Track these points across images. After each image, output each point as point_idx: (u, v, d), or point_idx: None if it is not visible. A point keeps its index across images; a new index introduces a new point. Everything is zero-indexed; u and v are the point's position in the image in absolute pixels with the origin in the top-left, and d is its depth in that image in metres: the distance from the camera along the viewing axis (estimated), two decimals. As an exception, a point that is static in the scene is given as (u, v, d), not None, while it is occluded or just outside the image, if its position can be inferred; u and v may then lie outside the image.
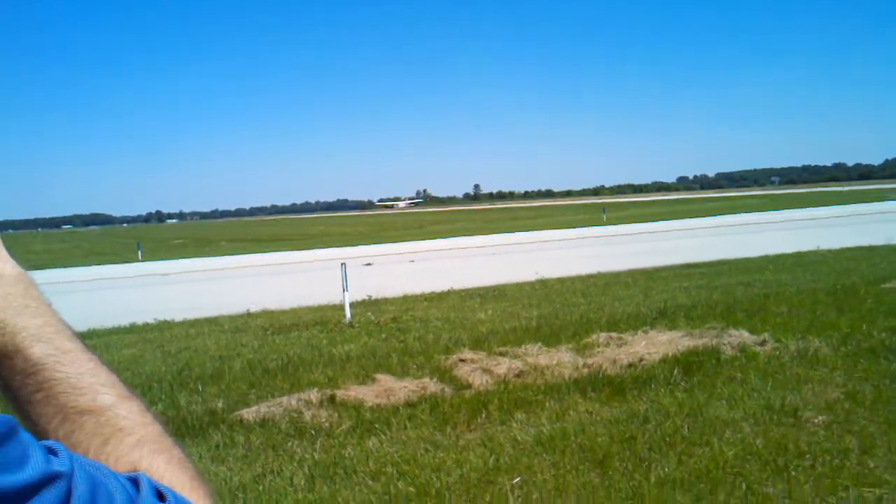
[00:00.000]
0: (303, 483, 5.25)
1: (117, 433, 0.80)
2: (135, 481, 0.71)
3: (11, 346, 0.78)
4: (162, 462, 0.80)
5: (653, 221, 46.62)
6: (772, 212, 49.72)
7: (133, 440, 0.80)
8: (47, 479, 0.62)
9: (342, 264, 12.61)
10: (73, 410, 0.79)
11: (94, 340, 11.90)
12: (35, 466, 0.61)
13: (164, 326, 13.43)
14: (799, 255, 18.81)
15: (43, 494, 0.61)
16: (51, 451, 0.65)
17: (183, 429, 6.55)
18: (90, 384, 0.81)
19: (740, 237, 28.27)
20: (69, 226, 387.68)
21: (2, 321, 0.78)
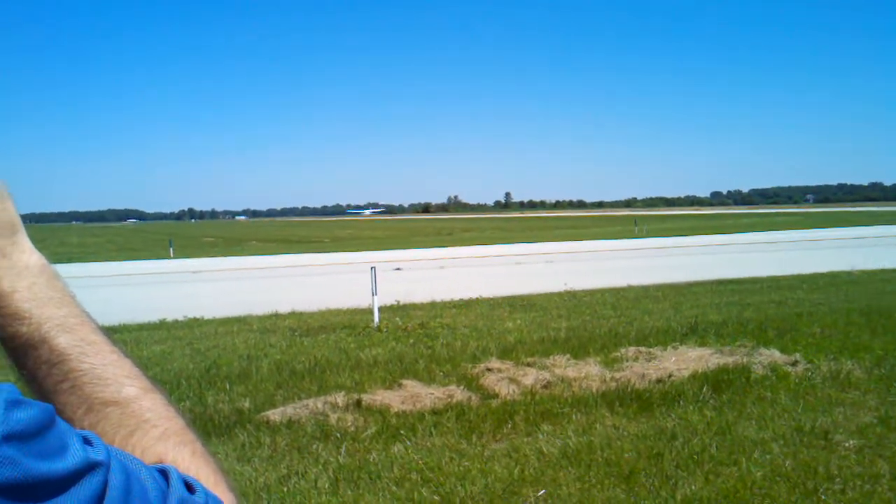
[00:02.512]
0: (327, 486, 5.26)
1: (142, 425, 0.80)
2: (164, 473, 0.72)
3: (38, 336, 0.79)
4: (187, 454, 0.80)
5: (685, 236, 46.29)
6: (805, 230, 49.16)
7: (158, 432, 0.80)
8: (88, 468, 0.62)
9: (372, 268, 12.63)
10: (98, 401, 0.79)
11: (125, 335, 12.00)
12: (75, 454, 0.62)
13: (194, 324, 13.52)
14: (833, 275, 18.59)
15: (84, 482, 0.61)
16: (86, 441, 0.65)
17: (209, 427, 6.59)
18: (115, 375, 0.81)
19: (773, 255, 27.99)
20: (134, 220, 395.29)
21: (27, 311, 0.79)
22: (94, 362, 0.81)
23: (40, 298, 0.80)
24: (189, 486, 0.72)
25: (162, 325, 13.47)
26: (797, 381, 7.63)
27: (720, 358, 8.56)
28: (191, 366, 9.34)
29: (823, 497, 4.78)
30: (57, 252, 45.62)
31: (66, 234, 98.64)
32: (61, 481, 0.59)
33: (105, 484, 0.63)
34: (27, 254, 0.82)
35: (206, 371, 8.95)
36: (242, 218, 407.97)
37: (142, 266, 30.88)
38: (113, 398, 0.80)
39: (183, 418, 0.85)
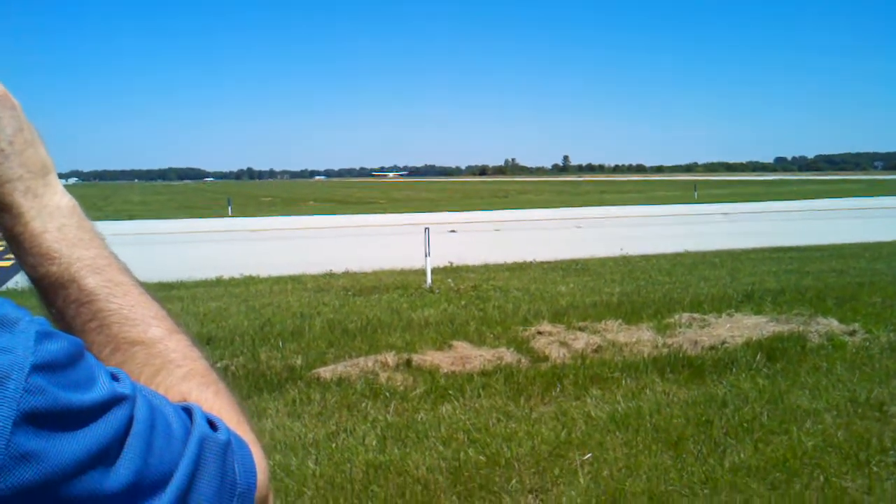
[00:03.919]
0: (375, 444, 5.32)
1: (167, 365, 0.81)
2: (188, 410, 0.74)
3: (67, 275, 0.80)
4: (210, 394, 0.82)
5: (746, 202, 45.43)
6: (871, 198, 47.84)
7: (182, 372, 0.82)
8: (114, 401, 0.64)
9: (426, 229, 12.65)
10: (125, 341, 0.81)
11: (182, 292, 12.23)
12: (102, 387, 0.64)
13: (249, 281, 13.72)
14: (898, 244, 18.10)
15: (110, 414, 0.63)
16: (113, 377, 0.67)
17: (262, 382, 6.71)
18: (142, 316, 0.83)
19: (836, 222, 27.33)
20: (210, 178, 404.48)
21: (57, 251, 0.80)
22: (122, 303, 0.82)
23: (70, 239, 0.81)
24: (212, 424, 0.74)
25: (219, 283, 13.70)
26: (854, 351, 7.47)
27: (776, 326, 8.42)
28: (245, 322, 9.49)
29: (875, 469, 4.69)
30: (119, 210, 46.63)
31: (128, 192, 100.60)
32: (88, 412, 0.61)
33: (131, 417, 0.65)
34: (58, 195, 0.83)
35: (261, 328, 9.08)
36: (321, 178, 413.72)
37: (200, 224, 31.36)
38: (139, 338, 0.81)
39: (207, 360, 0.86)
